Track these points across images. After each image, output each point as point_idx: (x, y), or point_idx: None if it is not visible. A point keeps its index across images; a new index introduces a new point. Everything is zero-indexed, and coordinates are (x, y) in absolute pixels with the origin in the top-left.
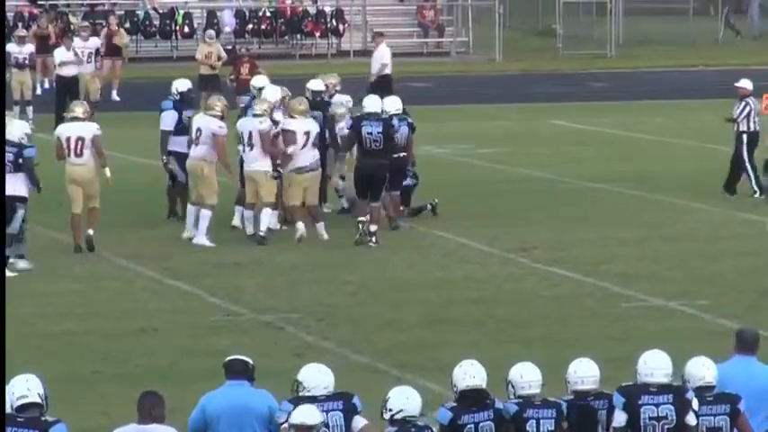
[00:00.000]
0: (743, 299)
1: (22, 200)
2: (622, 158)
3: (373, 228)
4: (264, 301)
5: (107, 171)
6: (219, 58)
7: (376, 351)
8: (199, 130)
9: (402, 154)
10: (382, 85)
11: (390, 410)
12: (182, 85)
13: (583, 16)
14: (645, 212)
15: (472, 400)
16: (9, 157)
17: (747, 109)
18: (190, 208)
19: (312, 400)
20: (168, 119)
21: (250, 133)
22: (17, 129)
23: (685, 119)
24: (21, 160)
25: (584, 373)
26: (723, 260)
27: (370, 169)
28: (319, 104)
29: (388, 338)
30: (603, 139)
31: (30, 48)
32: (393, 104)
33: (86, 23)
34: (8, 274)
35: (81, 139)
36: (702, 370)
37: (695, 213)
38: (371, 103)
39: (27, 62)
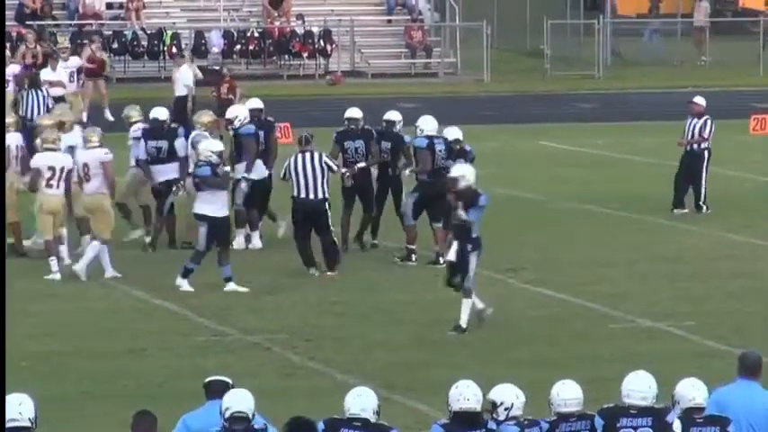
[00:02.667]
0: (730, 321)
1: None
2: (611, 179)
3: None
4: (251, 321)
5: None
6: (195, 77)
7: (364, 372)
8: (86, 165)
9: None
10: (179, 108)
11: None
12: (159, 113)
13: (571, 37)
14: (633, 233)
15: (465, 421)
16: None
17: (712, 126)
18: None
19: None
20: (139, 147)
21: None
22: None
23: (673, 140)
24: None
25: (567, 395)
26: (711, 281)
27: (438, 188)
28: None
29: (376, 359)
30: (592, 160)
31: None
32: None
33: (66, 44)
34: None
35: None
36: (692, 391)
37: (683, 234)
38: (429, 123)
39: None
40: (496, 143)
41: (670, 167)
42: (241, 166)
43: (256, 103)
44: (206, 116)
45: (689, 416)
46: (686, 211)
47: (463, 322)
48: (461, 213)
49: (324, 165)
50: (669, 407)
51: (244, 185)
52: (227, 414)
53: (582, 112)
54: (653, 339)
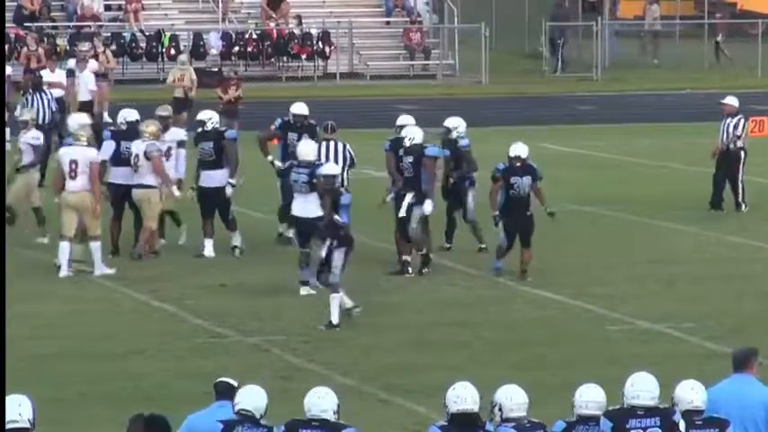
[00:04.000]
0: (729, 322)
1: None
2: (609, 181)
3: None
4: (250, 323)
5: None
6: (192, 81)
7: (362, 374)
8: (74, 162)
9: None
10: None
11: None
12: (130, 114)
13: (569, 39)
14: (631, 235)
15: (463, 423)
16: (303, 178)
17: (746, 125)
18: (63, 245)
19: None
20: (107, 148)
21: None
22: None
23: (672, 142)
24: (314, 180)
25: (588, 397)
26: (709, 283)
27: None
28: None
29: (375, 361)
30: (590, 161)
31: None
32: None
33: (86, 46)
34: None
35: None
36: (691, 394)
37: (682, 236)
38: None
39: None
40: (495, 145)
41: (669, 169)
42: (224, 172)
43: (300, 108)
44: (152, 126)
45: (688, 418)
46: (723, 212)
47: (334, 318)
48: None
49: (347, 153)
50: (672, 407)
51: (230, 191)
52: (236, 408)
53: (580, 113)
54: (651, 341)
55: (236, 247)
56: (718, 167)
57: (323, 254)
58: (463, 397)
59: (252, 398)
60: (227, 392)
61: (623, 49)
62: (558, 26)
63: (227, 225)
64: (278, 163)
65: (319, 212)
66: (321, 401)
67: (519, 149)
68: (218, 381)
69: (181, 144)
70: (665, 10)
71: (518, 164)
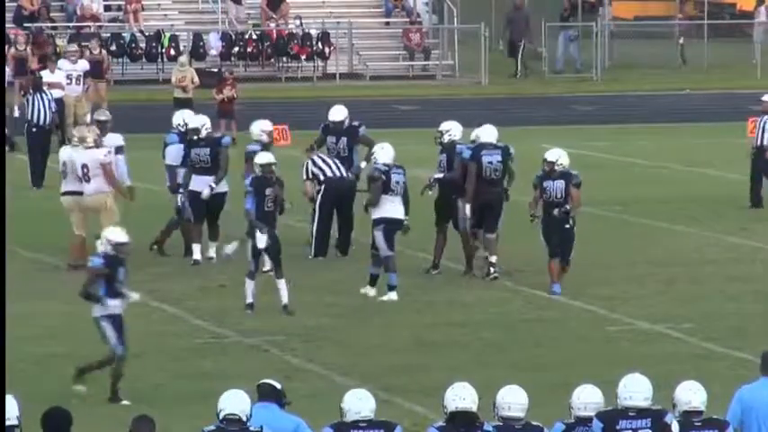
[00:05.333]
0: (728, 323)
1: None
2: (608, 182)
3: (493, 258)
4: (249, 323)
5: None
6: (193, 83)
7: (362, 374)
8: (85, 166)
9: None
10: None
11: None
12: (190, 117)
13: (568, 40)
14: (631, 236)
15: (461, 422)
16: (402, 178)
17: None
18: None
19: (354, 426)
20: (174, 152)
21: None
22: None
23: (672, 142)
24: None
25: (586, 399)
26: (709, 284)
27: (489, 197)
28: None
29: (375, 361)
30: (589, 162)
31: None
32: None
33: (75, 46)
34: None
35: (85, 166)
36: (689, 395)
37: (681, 237)
38: (488, 133)
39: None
40: None
41: (668, 170)
42: (209, 178)
43: (336, 114)
44: (86, 132)
45: (687, 419)
46: (762, 209)
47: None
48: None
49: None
50: (666, 409)
51: (207, 192)
52: (221, 415)
53: (580, 114)
54: (651, 342)
55: (211, 258)
56: (754, 165)
57: (262, 244)
58: (462, 395)
59: (236, 402)
60: (269, 395)
61: (623, 49)
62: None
63: (213, 232)
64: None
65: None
66: (363, 403)
67: (550, 154)
68: (260, 382)
69: (119, 150)
70: (665, 10)
71: (547, 168)
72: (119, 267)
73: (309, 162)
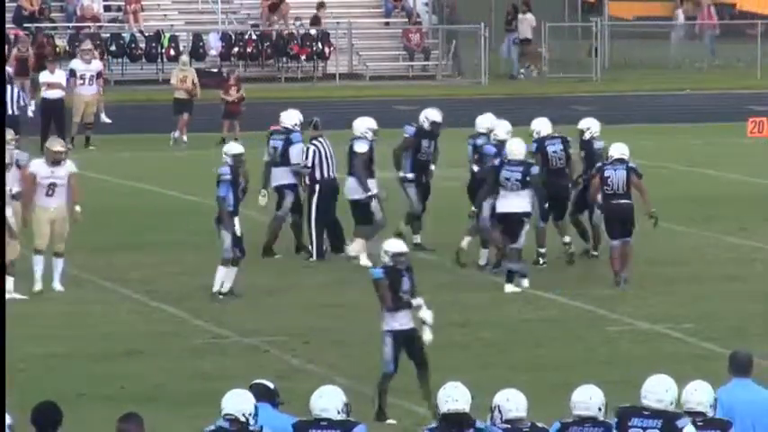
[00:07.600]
0: (728, 323)
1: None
2: None
3: (542, 249)
4: (249, 323)
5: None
6: (194, 83)
7: (362, 374)
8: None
9: None
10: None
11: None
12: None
13: (568, 40)
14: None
15: (453, 423)
16: (516, 176)
17: None
18: (37, 258)
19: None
20: (297, 151)
21: None
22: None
23: (672, 143)
24: (527, 178)
25: (581, 398)
26: (708, 284)
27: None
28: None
29: (375, 361)
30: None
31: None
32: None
33: (89, 46)
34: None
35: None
36: (693, 395)
37: (681, 237)
38: (546, 125)
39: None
40: None
41: (668, 170)
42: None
43: (437, 115)
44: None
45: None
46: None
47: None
48: None
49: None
50: (682, 413)
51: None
52: (222, 415)
53: (579, 114)
54: (651, 342)
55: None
56: None
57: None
58: (454, 396)
59: (236, 402)
60: (263, 395)
61: (623, 49)
62: (557, 26)
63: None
64: (410, 175)
65: (528, 208)
66: (321, 400)
67: (613, 149)
68: (253, 383)
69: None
70: (665, 10)
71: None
72: (401, 278)
73: (314, 149)
